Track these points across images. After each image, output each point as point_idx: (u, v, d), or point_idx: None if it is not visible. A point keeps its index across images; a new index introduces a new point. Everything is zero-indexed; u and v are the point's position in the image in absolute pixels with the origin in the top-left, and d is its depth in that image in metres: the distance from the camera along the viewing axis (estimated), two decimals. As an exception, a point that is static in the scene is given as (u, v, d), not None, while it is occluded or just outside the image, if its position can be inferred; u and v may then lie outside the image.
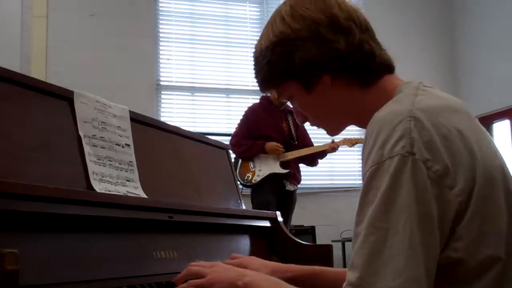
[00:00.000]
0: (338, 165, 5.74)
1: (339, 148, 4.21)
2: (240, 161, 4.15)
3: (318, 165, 4.36)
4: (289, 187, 4.09)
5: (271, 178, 4.01)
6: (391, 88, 0.94)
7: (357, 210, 0.80)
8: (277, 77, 0.99)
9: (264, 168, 4.04)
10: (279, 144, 4.01)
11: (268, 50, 0.98)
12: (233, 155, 4.04)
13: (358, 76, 0.95)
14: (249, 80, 5.71)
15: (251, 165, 4.08)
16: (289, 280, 0.99)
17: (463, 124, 0.84)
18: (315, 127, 1.07)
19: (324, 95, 0.97)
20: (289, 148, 4.12)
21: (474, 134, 0.85)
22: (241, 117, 4.20)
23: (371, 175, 0.79)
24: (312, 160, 4.26)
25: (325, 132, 1.06)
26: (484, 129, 0.91)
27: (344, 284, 0.78)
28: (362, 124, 0.99)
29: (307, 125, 4.37)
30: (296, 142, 4.16)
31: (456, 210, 0.78)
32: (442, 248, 0.79)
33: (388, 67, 0.98)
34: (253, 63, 1.04)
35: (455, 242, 0.79)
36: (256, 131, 4.08)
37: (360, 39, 0.95)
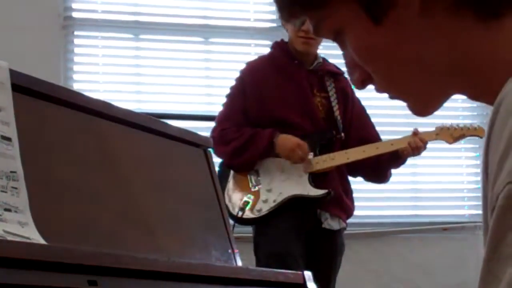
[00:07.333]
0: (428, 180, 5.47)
1: (427, 146, 3.78)
2: (231, 171, 3.79)
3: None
4: (330, 223, 3.64)
5: (293, 205, 3.63)
6: None
7: (488, 241, 0.80)
8: None
9: (278, 186, 3.67)
10: (302, 143, 3.56)
11: None
12: (217, 160, 3.65)
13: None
14: (250, 8, 5.15)
15: (252, 180, 3.69)
16: None
17: None
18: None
19: (405, 30, 0.91)
20: (328, 146, 3.67)
21: None
22: (232, 84, 3.63)
23: (510, 193, 0.80)
24: (376, 169, 3.79)
25: (408, 108, 0.99)
26: None
27: None
28: (476, 90, 0.93)
29: (369, 106, 4.04)
30: (341, 135, 3.71)
31: None
32: None
33: None
34: None
35: None
36: (261, 111, 3.62)
37: None
